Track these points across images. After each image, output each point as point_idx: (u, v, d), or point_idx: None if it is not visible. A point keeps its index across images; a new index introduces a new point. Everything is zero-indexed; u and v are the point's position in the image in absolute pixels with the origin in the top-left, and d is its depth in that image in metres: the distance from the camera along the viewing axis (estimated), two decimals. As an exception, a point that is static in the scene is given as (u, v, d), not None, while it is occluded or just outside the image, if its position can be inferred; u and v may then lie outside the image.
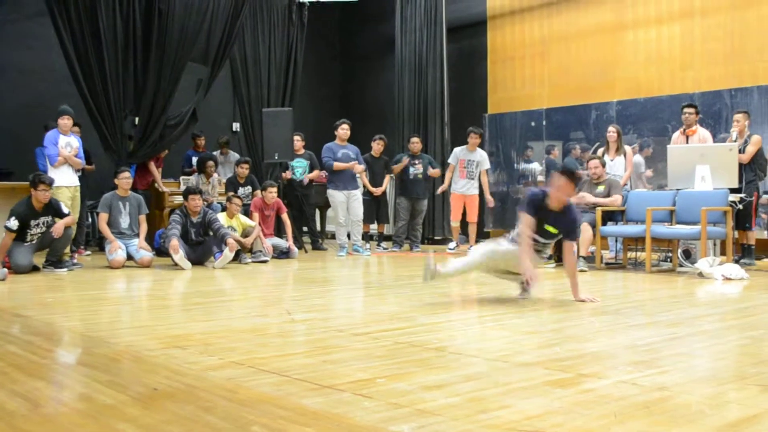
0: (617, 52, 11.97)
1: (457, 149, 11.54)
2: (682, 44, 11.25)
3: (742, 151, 8.74)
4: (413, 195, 11.67)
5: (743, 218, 8.81)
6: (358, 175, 11.09)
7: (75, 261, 9.05)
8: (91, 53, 11.03)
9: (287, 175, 11.62)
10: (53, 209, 8.50)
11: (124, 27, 11.39)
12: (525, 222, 5.54)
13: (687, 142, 9.12)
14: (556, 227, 5.61)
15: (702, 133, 9.21)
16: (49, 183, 8.40)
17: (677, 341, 4.26)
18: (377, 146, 11.61)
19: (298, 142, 11.74)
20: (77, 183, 9.55)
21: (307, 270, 9.26)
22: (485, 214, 13.15)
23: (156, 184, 11.65)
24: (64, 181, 9.29)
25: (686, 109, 9.20)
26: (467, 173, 11.30)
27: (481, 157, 11.33)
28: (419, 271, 8.06)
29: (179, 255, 8.77)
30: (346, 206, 10.82)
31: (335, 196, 10.83)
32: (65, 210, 8.66)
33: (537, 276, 5.60)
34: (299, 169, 11.72)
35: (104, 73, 11.13)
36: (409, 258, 10.67)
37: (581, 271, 8.06)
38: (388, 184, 12.00)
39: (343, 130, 10.98)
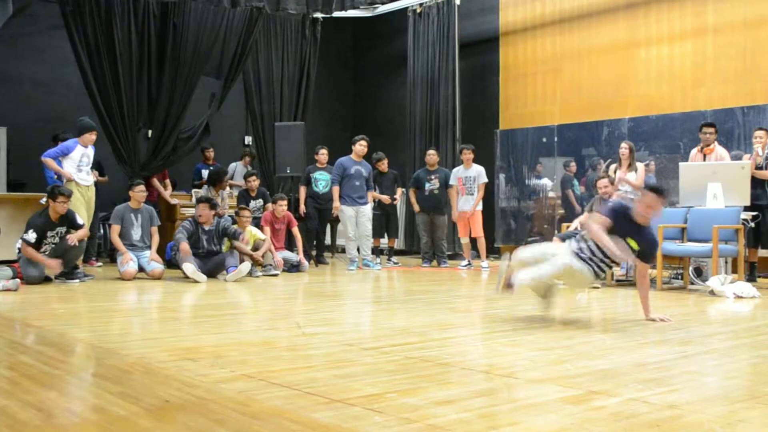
0: (630, 69, 11.98)
1: (455, 170, 11.64)
2: (694, 62, 11.26)
3: (764, 168, 8.73)
4: (430, 210, 11.66)
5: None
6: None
7: (85, 272, 9.08)
8: (106, 66, 11.13)
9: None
10: (69, 220, 8.56)
11: (139, 40, 11.50)
12: (602, 223, 5.35)
13: (704, 160, 9.11)
14: (638, 243, 5.49)
15: (720, 151, 9.19)
16: (68, 195, 8.47)
17: (688, 359, 4.25)
18: (381, 165, 11.68)
19: (324, 155, 11.75)
20: (90, 182, 9.55)
21: (318, 284, 9.27)
22: (496, 231, 13.16)
23: (163, 197, 11.70)
24: (79, 180, 9.36)
25: (706, 129, 9.18)
26: (466, 190, 11.34)
27: (477, 172, 11.35)
28: (429, 286, 8.07)
29: (192, 269, 8.78)
30: (354, 221, 10.82)
31: (344, 210, 10.83)
32: (80, 221, 8.71)
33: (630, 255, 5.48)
34: (322, 181, 11.71)
35: (118, 86, 11.23)
36: (420, 273, 10.67)
37: (594, 287, 8.06)
38: (400, 198, 12.02)
39: (361, 147, 10.97)
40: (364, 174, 10.91)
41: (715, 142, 9.20)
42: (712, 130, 9.16)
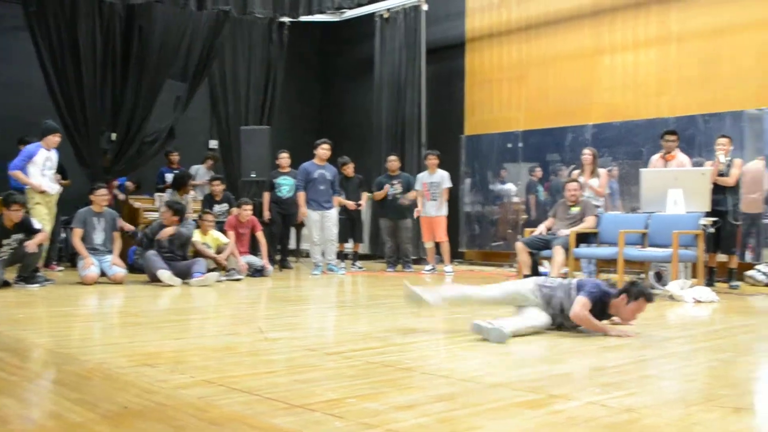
0: (594, 76, 12.10)
1: (419, 175, 11.72)
2: (657, 70, 11.40)
3: (726, 174, 8.88)
4: (392, 215, 11.69)
5: (729, 242, 8.94)
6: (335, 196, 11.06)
7: (46, 277, 8.96)
8: (69, 68, 11.02)
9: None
10: (25, 227, 8.45)
11: (104, 42, 11.38)
12: (585, 306, 5.09)
13: (665, 167, 9.24)
14: None
15: (681, 158, 9.33)
16: (22, 203, 8.38)
17: (646, 363, 4.30)
18: (347, 169, 11.67)
19: (284, 159, 11.69)
20: (56, 189, 9.44)
21: (281, 288, 9.25)
22: (460, 235, 13.21)
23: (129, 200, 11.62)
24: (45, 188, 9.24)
25: (668, 136, 9.31)
26: (431, 195, 11.41)
27: (442, 177, 11.43)
28: (393, 290, 8.09)
29: (168, 275, 8.74)
30: (320, 225, 10.78)
31: (310, 215, 10.78)
32: (37, 226, 8.61)
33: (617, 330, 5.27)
34: (285, 186, 11.66)
35: (82, 88, 11.12)
36: (384, 277, 10.68)
37: None
38: (365, 202, 12.02)
39: (324, 150, 10.91)
40: (329, 177, 10.86)
41: (677, 149, 9.33)
42: (674, 137, 9.29)
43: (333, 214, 10.90)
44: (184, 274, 9.06)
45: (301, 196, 10.76)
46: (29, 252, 8.33)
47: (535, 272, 8.95)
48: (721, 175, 8.89)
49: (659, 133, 9.63)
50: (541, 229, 9.27)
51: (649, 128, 10.85)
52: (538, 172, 12.48)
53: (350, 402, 3.23)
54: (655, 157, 9.50)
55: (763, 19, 10.31)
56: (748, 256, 9.84)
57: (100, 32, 11.34)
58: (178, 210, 9.44)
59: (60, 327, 5.80)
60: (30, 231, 8.49)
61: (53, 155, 9.37)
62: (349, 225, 11.71)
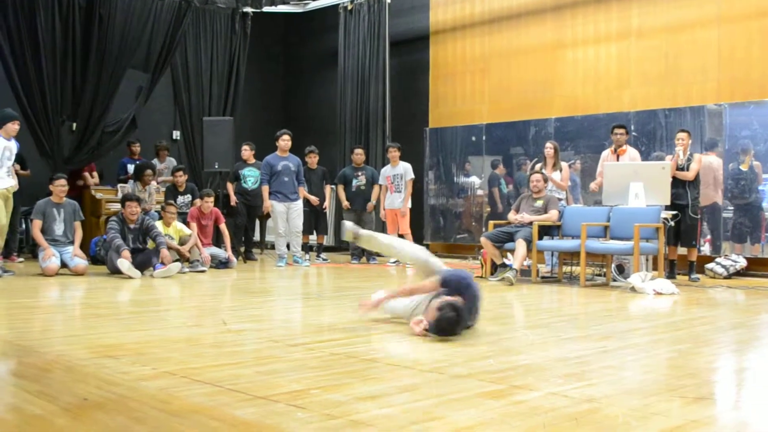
0: (556, 70, 12.18)
1: (383, 169, 11.78)
2: (618, 64, 11.51)
3: (685, 168, 9.01)
4: (357, 207, 11.69)
5: (689, 235, 9.07)
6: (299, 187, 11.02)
7: (5, 268, 8.84)
8: (28, 56, 10.86)
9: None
10: None
11: (63, 31, 11.23)
12: (433, 282, 5.03)
13: (617, 161, 9.36)
14: None
15: (632, 152, 9.48)
16: None
17: (608, 354, 4.35)
18: (311, 159, 11.62)
19: (246, 151, 11.67)
20: (9, 185, 9.20)
21: (246, 280, 9.21)
22: (424, 228, 13.25)
23: (91, 191, 11.46)
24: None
25: (617, 130, 9.47)
26: (395, 187, 11.45)
27: (405, 169, 11.51)
28: (357, 282, 8.11)
29: (127, 265, 8.65)
30: (285, 217, 10.75)
31: (275, 206, 10.75)
32: None
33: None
34: (251, 178, 11.62)
35: (42, 77, 10.97)
36: (349, 269, 10.68)
37: (510, 284, 8.21)
38: (330, 196, 11.99)
39: (284, 141, 10.88)
40: (293, 168, 10.83)
41: (627, 144, 9.46)
42: (623, 131, 9.46)
43: (299, 206, 10.87)
44: (145, 265, 8.99)
45: (265, 189, 10.72)
46: None
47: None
48: (680, 169, 9.03)
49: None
50: (512, 219, 9.26)
51: (610, 122, 10.89)
52: (502, 167, 12.54)
53: (313, 393, 3.23)
54: (606, 153, 9.63)
55: (723, 15, 10.45)
56: (708, 249, 9.99)
57: (60, 21, 11.19)
58: (138, 200, 9.40)
59: (20, 319, 5.72)
60: None
61: (12, 145, 9.12)
62: (313, 217, 11.68)
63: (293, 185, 10.81)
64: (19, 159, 9.90)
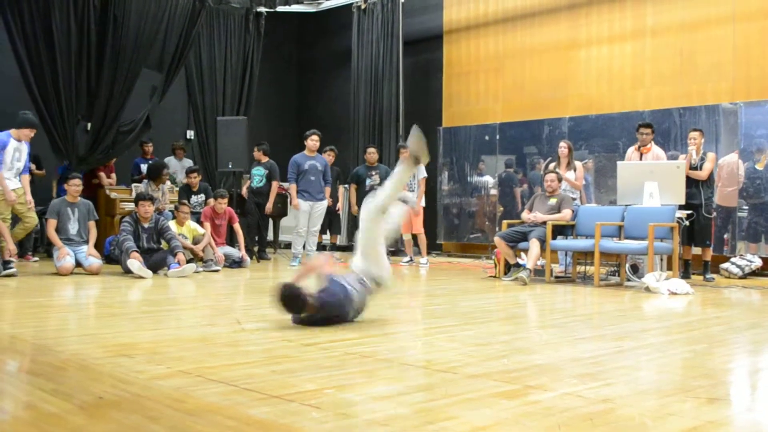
0: (570, 69, 12.14)
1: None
2: (633, 63, 11.47)
3: (699, 168, 8.95)
4: None
5: (702, 235, 9.01)
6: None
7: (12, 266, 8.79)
8: (44, 57, 10.90)
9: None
10: None
11: (78, 32, 11.28)
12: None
13: (641, 159, 9.30)
14: None
15: (656, 151, 9.40)
16: None
17: (622, 354, 4.33)
18: (328, 157, 11.62)
19: (257, 152, 11.69)
20: (17, 186, 9.18)
21: (259, 279, 9.22)
22: (438, 227, 13.24)
23: (105, 190, 11.50)
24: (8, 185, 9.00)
25: (643, 129, 9.35)
26: (408, 186, 11.40)
27: (418, 168, 11.42)
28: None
29: (138, 265, 8.66)
30: (308, 216, 10.78)
31: (300, 204, 10.79)
32: None
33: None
34: (257, 177, 11.66)
35: (57, 77, 11.01)
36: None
37: (523, 284, 8.19)
38: (344, 195, 11.98)
39: (313, 141, 10.90)
40: (319, 168, 10.85)
41: (652, 142, 9.40)
42: (648, 130, 9.35)
43: (323, 206, 10.89)
44: (159, 265, 9.02)
45: (293, 188, 10.74)
46: None
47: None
48: (693, 168, 8.97)
49: (635, 126, 9.70)
50: (526, 218, 9.23)
51: (624, 121, 10.92)
52: (514, 165, 12.51)
53: (328, 392, 3.23)
54: (631, 150, 9.56)
55: (739, 13, 10.39)
56: (723, 249, 9.93)
57: (75, 21, 11.23)
58: (152, 199, 9.42)
59: (35, 318, 5.74)
60: None
61: (23, 147, 9.08)
62: (327, 217, 11.68)
63: (320, 185, 10.83)
64: (35, 159, 9.93)
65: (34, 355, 4.19)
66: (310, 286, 5.10)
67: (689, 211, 8.73)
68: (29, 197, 9.21)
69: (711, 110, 10.29)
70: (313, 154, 10.91)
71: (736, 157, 9.84)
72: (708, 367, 4.06)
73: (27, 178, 9.28)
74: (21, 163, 9.05)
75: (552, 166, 9.87)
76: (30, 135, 9.07)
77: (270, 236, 12.88)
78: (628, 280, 8.69)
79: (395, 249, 12.86)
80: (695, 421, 2.89)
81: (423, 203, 11.45)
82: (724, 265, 9.57)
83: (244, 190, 11.65)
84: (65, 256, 8.86)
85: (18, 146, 9.01)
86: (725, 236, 9.99)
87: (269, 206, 11.11)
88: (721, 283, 8.91)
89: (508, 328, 5.22)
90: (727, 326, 5.72)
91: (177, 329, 5.17)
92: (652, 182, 8.59)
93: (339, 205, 11.80)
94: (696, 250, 9.26)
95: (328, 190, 11.03)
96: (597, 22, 11.85)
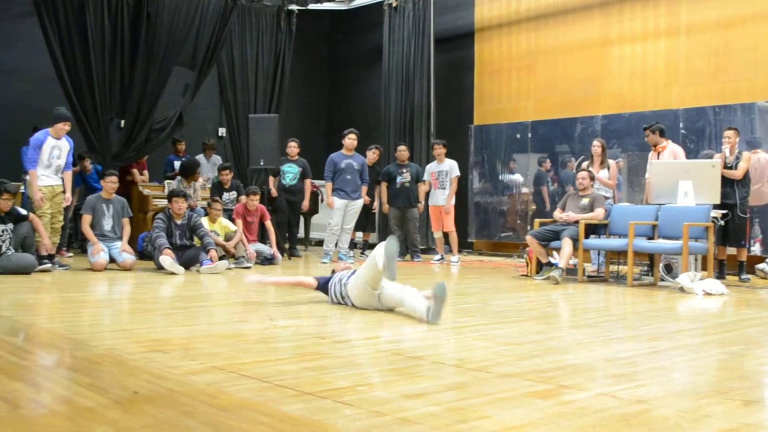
0: (603, 67, 12.05)
1: (428, 165, 11.73)
2: (666, 61, 11.35)
3: (733, 167, 8.84)
4: (401, 204, 11.64)
5: (737, 235, 8.91)
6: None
7: (61, 263, 8.93)
8: (78, 55, 11.01)
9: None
10: (13, 216, 8.44)
11: (112, 30, 11.38)
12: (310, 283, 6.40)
13: (658, 158, 9.25)
14: None
15: (672, 147, 9.39)
16: (13, 192, 8.39)
17: (657, 355, 4.29)
18: (372, 155, 11.66)
19: (291, 148, 11.66)
20: (56, 183, 9.27)
21: (291, 277, 9.23)
22: (469, 226, 13.20)
23: (139, 187, 11.61)
24: (43, 182, 9.08)
25: (645, 132, 9.58)
26: (439, 184, 11.40)
27: (450, 166, 11.43)
28: (401, 280, 8.09)
29: (170, 261, 8.73)
30: (342, 214, 10.82)
31: (335, 202, 10.84)
32: (23, 212, 8.60)
33: None
34: (289, 174, 11.66)
35: (90, 75, 11.12)
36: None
37: (555, 283, 8.13)
38: (378, 195, 11.98)
39: (350, 140, 10.96)
40: (356, 167, 10.90)
41: (668, 140, 9.36)
42: (647, 132, 9.49)
43: (358, 204, 10.93)
44: (192, 261, 9.08)
45: (329, 186, 10.81)
46: (24, 235, 8.39)
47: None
48: (727, 167, 8.85)
49: (669, 125, 9.66)
50: (558, 217, 9.18)
51: (658, 120, 10.78)
52: (547, 163, 12.45)
53: (360, 390, 3.23)
54: (650, 155, 9.55)
55: (775, 10, 10.26)
56: (758, 249, 9.81)
57: (109, 19, 11.33)
58: (185, 196, 9.49)
59: (70, 313, 5.81)
60: (19, 218, 8.50)
61: (63, 144, 9.15)
62: (362, 215, 11.69)
63: (356, 183, 10.89)
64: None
65: (69, 349, 4.23)
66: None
67: (724, 211, 8.62)
68: (68, 195, 9.33)
69: (747, 108, 10.16)
70: (351, 152, 10.96)
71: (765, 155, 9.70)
72: (744, 369, 4.01)
73: (69, 174, 9.38)
74: (61, 161, 9.12)
75: (585, 164, 9.80)
76: (65, 128, 9.12)
77: (301, 233, 12.92)
78: (662, 280, 8.60)
79: (426, 247, 12.85)
80: (730, 423, 2.86)
81: (453, 201, 11.42)
82: (760, 266, 9.44)
83: (272, 187, 11.64)
84: (99, 252, 8.96)
85: (57, 144, 9.07)
86: (759, 236, 9.85)
87: (305, 203, 11.17)
88: (756, 283, 8.80)
89: (541, 327, 5.19)
90: (763, 328, 5.64)
91: (209, 325, 5.20)
92: (686, 181, 8.50)
93: (375, 204, 11.80)
94: (731, 250, 9.15)
95: (364, 188, 11.06)
96: (630, 20, 11.75)
